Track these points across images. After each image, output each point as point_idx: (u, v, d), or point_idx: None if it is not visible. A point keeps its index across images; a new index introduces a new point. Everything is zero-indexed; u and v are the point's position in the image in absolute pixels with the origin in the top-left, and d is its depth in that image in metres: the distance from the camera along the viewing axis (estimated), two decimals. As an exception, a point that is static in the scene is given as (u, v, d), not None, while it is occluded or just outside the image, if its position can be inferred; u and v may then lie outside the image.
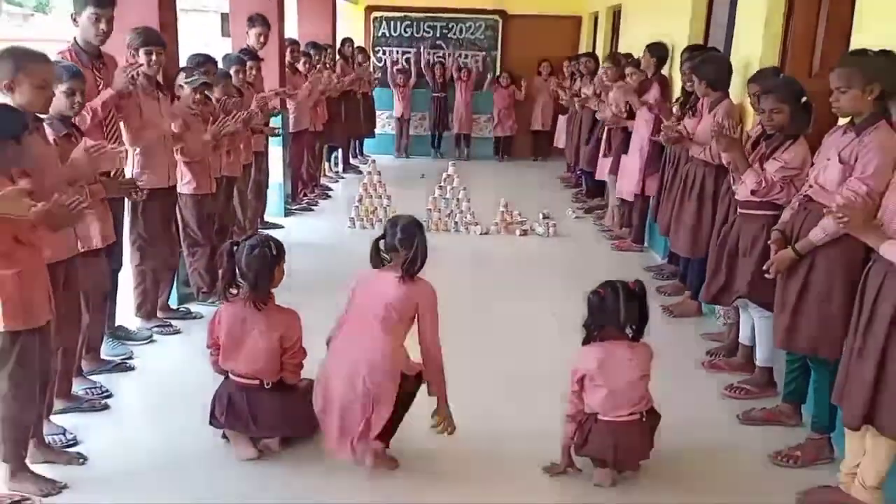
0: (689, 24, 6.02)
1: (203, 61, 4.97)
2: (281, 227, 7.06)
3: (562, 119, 10.33)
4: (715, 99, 4.67)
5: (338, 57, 9.95)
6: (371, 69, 11.24)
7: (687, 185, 4.79)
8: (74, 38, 3.90)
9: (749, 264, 3.74)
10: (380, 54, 12.01)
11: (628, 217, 7.02)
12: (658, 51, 6.37)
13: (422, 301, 3.02)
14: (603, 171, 7.53)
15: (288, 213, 7.61)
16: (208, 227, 4.83)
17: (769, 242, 3.30)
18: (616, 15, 9.49)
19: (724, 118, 4.42)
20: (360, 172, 10.43)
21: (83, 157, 3.13)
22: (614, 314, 2.83)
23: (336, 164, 10.40)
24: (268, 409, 3.10)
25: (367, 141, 11.52)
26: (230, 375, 3.12)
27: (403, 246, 3.01)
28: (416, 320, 3.05)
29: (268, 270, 3.13)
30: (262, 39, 6.49)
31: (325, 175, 9.73)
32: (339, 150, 10.37)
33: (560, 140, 10.46)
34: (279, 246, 3.16)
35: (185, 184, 4.70)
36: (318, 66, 8.69)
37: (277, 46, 7.13)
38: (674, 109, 5.66)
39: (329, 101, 8.98)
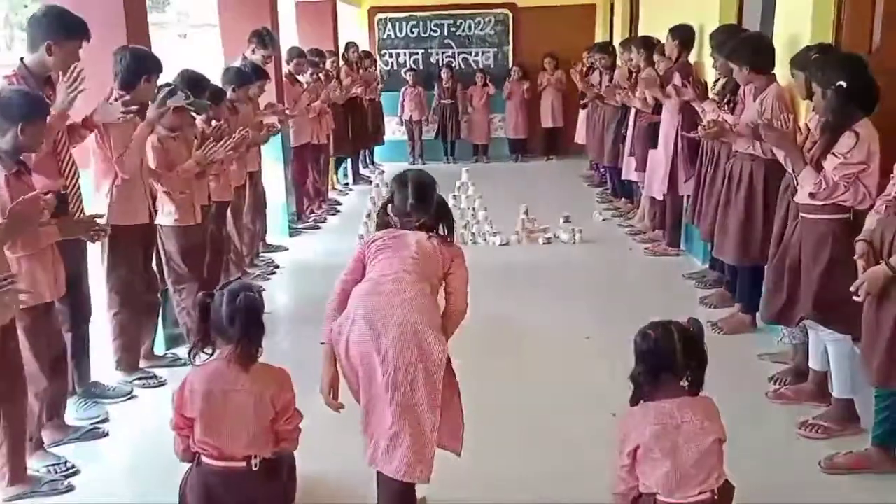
0: (720, 3, 5.40)
1: (190, 80, 4.46)
2: (285, 248, 6.56)
3: (582, 113, 9.73)
4: (760, 85, 4.06)
5: (341, 63, 9.45)
6: (378, 73, 10.73)
7: (732, 183, 4.19)
8: (22, 60, 3.40)
9: (814, 278, 3.16)
10: (386, 57, 11.50)
11: (661, 218, 6.42)
12: (681, 33, 5.76)
13: (457, 259, 2.75)
14: (629, 169, 6.94)
15: (293, 232, 7.11)
16: (195, 260, 4.33)
17: (855, 257, 2.70)
18: (634, 0, 8.88)
19: (773, 106, 3.84)
20: (371, 182, 9.95)
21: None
22: (669, 361, 2.25)
23: (345, 176, 9.90)
24: (259, 499, 2.55)
25: (378, 148, 11.01)
26: (203, 460, 2.56)
27: (418, 210, 2.67)
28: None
29: (257, 319, 2.57)
30: (268, 60, 6.01)
31: (333, 188, 9.23)
32: (349, 161, 9.87)
33: (580, 135, 9.86)
34: (260, 294, 2.62)
35: (165, 215, 4.20)
36: (320, 75, 8.20)
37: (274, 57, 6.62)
38: (710, 95, 5.06)
39: (334, 109, 8.48)
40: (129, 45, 3.87)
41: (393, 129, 11.54)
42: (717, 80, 5.14)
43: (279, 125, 6.18)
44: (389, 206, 2.74)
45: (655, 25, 7.02)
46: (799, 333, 3.59)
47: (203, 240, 4.45)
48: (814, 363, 3.43)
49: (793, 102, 4.06)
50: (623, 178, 7.33)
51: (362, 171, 10.48)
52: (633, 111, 6.83)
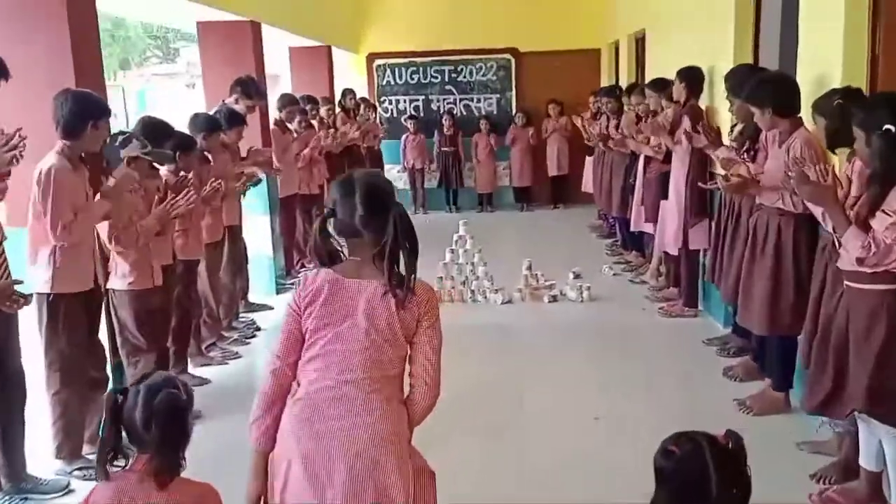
0: (734, 41, 4.98)
1: (149, 127, 4.05)
2: (269, 307, 6.08)
3: (588, 161, 9.32)
4: (785, 130, 3.60)
5: (338, 110, 9.10)
6: (378, 121, 10.39)
7: (757, 241, 3.70)
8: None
9: (867, 363, 2.65)
10: (386, 104, 11.17)
11: (675, 274, 5.92)
12: (689, 75, 5.33)
13: (426, 317, 2.07)
14: (640, 220, 6.48)
15: (281, 289, 6.63)
16: (153, 329, 3.85)
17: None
18: (639, 43, 8.52)
19: (802, 154, 3.38)
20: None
21: None
22: (699, 487, 1.73)
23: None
24: None
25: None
26: None
27: (370, 227, 1.98)
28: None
29: (181, 424, 2.09)
30: (251, 110, 5.64)
31: (328, 240, 8.78)
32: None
33: (588, 184, 9.43)
34: (188, 390, 2.12)
35: (119, 278, 3.74)
36: (312, 122, 7.83)
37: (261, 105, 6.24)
38: (726, 141, 4.61)
39: (329, 159, 8.08)
40: (71, 89, 3.45)
41: (394, 178, 11.16)
42: (733, 126, 4.69)
43: (260, 175, 5.75)
44: (331, 221, 2.03)
45: (663, 69, 6.62)
46: (845, 421, 3.05)
47: (163, 305, 3.98)
48: (866, 461, 2.87)
49: (823, 150, 3.60)
50: (633, 229, 6.85)
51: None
52: (641, 158, 6.40)
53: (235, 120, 5.14)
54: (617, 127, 7.49)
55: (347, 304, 1.98)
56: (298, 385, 2.04)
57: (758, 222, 3.70)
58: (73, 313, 3.40)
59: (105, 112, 3.50)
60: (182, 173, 4.29)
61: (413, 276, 2.00)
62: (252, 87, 5.58)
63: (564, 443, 3.68)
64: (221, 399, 4.29)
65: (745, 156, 4.04)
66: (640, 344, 5.13)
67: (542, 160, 10.72)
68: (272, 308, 6.09)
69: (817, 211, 2.95)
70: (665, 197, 5.69)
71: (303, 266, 7.35)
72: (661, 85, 6.13)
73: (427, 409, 2.09)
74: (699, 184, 4.61)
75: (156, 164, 4.11)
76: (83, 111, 3.37)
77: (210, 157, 4.88)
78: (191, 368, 4.64)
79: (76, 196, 3.37)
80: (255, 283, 6.22)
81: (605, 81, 10.26)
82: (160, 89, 12.76)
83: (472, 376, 4.51)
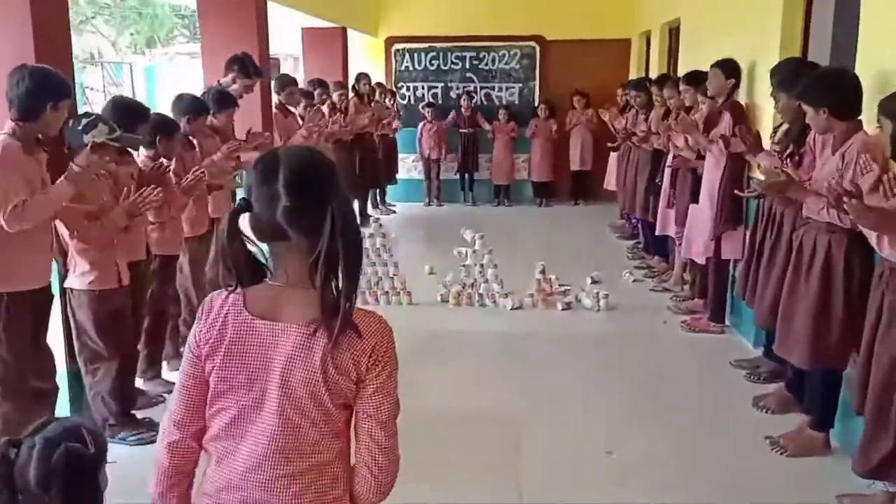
0: (781, 34, 4.47)
1: (120, 108, 3.64)
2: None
3: (612, 157, 8.81)
4: (841, 133, 3.11)
5: (351, 95, 8.67)
6: (395, 107, 9.95)
7: (802, 260, 3.21)
8: None
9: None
10: (403, 90, 10.72)
11: (701, 285, 5.43)
12: (731, 68, 4.82)
13: (375, 364, 1.45)
14: (666, 224, 5.98)
15: (278, 284, 6.24)
16: (115, 333, 3.44)
17: None
18: (673, 33, 7.98)
19: (859, 162, 2.89)
20: (381, 226, 9.10)
21: None
22: None
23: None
24: None
25: (391, 188, 10.19)
26: None
27: (298, 224, 1.40)
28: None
29: (89, 486, 1.64)
30: (247, 90, 5.22)
31: (335, 231, 8.38)
32: (355, 202, 9.03)
33: (611, 181, 8.94)
34: (99, 441, 1.68)
35: (78, 276, 3.35)
36: (322, 107, 7.42)
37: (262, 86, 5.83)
38: (769, 146, 4.12)
39: (337, 145, 7.68)
40: (28, 65, 3.05)
41: (409, 168, 10.77)
42: (777, 127, 4.20)
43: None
44: (246, 216, 1.44)
45: (698, 61, 6.10)
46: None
47: (130, 307, 3.58)
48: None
49: (884, 157, 3.10)
50: (658, 233, 6.36)
51: (371, 211, 9.65)
52: (669, 156, 5.91)
53: (225, 101, 4.71)
54: (646, 122, 7.01)
55: (258, 360, 1.44)
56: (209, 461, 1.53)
57: (803, 238, 3.21)
58: (18, 315, 3.01)
59: (66, 92, 3.11)
60: (161, 160, 3.90)
61: (350, 305, 1.40)
62: (250, 65, 5.15)
63: (570, 482, 3.23)
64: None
65: (789, 161, 3.55)
66: (661, 364, 4.66)
67: (564, 154, 10.23)
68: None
69: (871, 236, 2.48)
70: (695, 200, 5.21)
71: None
72: (698, 79, 5.61)
73: (377, 493, 1.51)
74: (735, 191, 4.12)
75: (131, 150, 3.72)
76: (41, 91, 2.99)
77: (196, 142, 4.47)
78: (166, 373, 4.25)
79: (30, 179, 2.99)
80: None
81: (634, 74, 9.74)
82: (176, 67, 12.42)
83: (468, 396, 4.09)
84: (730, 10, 5.50)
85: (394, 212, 10.00)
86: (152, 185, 3.39)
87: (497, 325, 5.31)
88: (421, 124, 10.26)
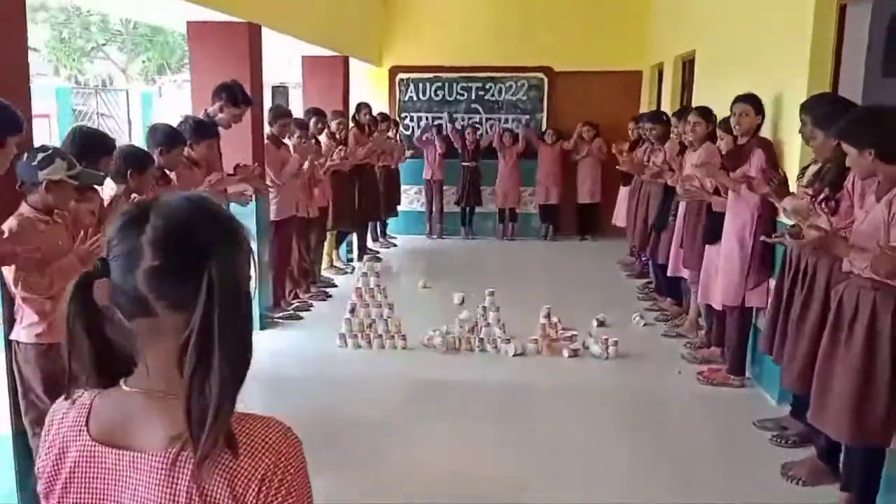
0: (809, 64, 4.13)
1: (82, 139, 3.32)
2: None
3: (623, 191, 8.48)
4: (887, 178, 2.74)
5: (351, 125, 8.38)
6: (398, 137, 9.67)
7: (842, 319, 2.83)
8: None
9: None
10: (407, 121, 10.44)
11: (719, 332, 5.04)
12: (760, 104, 4.48)
13: (261, 484, 1.01)
14: (679, 264, 5.62)
15: (266, 324, 5.88)
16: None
17: None
18: (687, 66, 7.67)
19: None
20: (380, 259, 8.77)
21: None
22: None
23: (349, 252, 8.71)
24: None
25: (392, 220, 9.87)
26: None
27: (168, 296, 1.01)
28: None
29: None
30: (235, 120, 4.92)
31: (332, 266, 8.04)
32: (354, 236, 8.70)
33: (619, 216, 8.59)
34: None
35: (24, 327, 2.99)
36: (320, 137, 7.12)
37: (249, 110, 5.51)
38: (795, 187, 3.76)
39: (335, 177, 7.36)
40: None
41: (411, 199, 10.48)
42: (805, 168, 3.85)
43: (249, 194, 5.00)
44: (101, 282, 1.05)
45: (713, 95, 5.78)
46: None
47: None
48: None
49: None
50: (670, 273, 5.98)
51: (371, 245, 9.32)
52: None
53: (202, 131, 4.39)
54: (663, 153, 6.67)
55: (104, 499, 1.04)
56: None
57: (844, 295, 2.83)
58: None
59: (17, 127, 2.78)
60: (133, 195, 3.56)
61: (224, 409, 0.99)
62: (239, 93, 4.85)
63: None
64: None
65: (823, 206, 3.18)
66: (675, 421, 4.26)
67: (572, 184, 9.93)
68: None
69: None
70: (710, 240, 4.86)
71: (295, 296, 6.61)
72: (709, 113, 5.32)
73: None
74: (762, 238, 3.77)
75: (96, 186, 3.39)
76: None
77: (173, 175, 4.15)
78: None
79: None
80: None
81: (645, 107, 9.44)
82: (181, 93, 12.23)
83: (464, 459, 3.70)
84: (751, 42, 5.17)
85: (394, 245, 9.67)
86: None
87: (498, 374, 4.92)
88: (427, 149, 9.99)
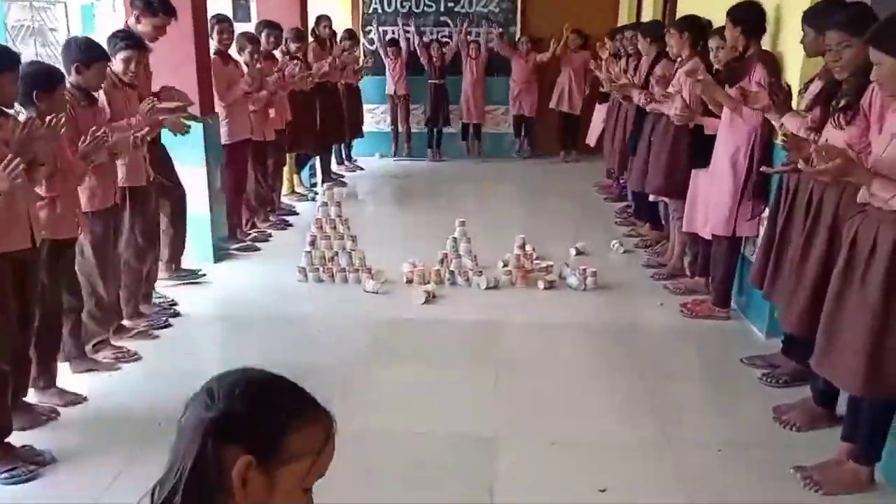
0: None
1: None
2: (195, 280, 4.92)
3: (599, 109, 8.04)
4: (913, 94, 2.37)
5: (310, 40, 7.76)
6: (359, 53, 9.06)
7: (856, 258, 2.48)
8: None
9: None
10: (371, 35, 9.79)
11: (704, 261, 4.74)
12: (753, 15, 4.04)
13: None
14: (659, 189, 5.24)
15: (221, 256, 5.46)
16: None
17: None
18: (669, -28, 7.15)
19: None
20: (345, 184, 8.33)
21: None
22: None
23: (312, 176, 8.22)
24: None
25: (357, 141, 9.35)
26: None
27: None
28: None
29: None
30: (158, 33, 4.34)
31: (293, 192, 7.58)
32: (317, 159, 8.20)
33: (592, 136, 8.18)
34: None
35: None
36: (274, 52, 6.54)
37: (191, 19, 4.94)
38: (801, 109, 3.38)
39: (294, 97, 6.82)
40: None
41: (378, 119, 9.95)
42: (808, 83, 3.46)
43: (183, 121, 4.39)
44: None
45: (697, 6, 5.32)
46: None
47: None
48: None
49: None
50: (651, 198, 5.64)
51: (336, 168, 8.84)
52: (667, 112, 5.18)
53: (128, 42, 3.81)
54: (636, 69, 6.24)
55: None
56: None
57: (859, 230, 2.48)
58: None
59: None
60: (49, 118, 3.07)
61: None
62: (156, 1, 4.24)
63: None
64: (90, 429, 3.17)
65: (840, 119, 2.79)
66: (658, 358, 3.98)
67: (548, 94, 9.45)
68: (199, 280, 4.93)
69: None
70: (699, 163, 4.50)
71: (253, 226, 6.18)
72: (694, 24, 4.86)
73: None
74: (763, 168, 3.40)
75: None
76: None
77: (102, 97, 3.65)
78: (69, 377, 3.51)
79: None
80: (192, 246, 5.06)
81: (624, 19, 8.91)
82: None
83: (429, 411, 3.38)
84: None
85: (361, 168, 9.19)
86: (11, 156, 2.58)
87: (469, 310, 4.58)
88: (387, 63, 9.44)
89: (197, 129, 5.00)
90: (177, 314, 4.39)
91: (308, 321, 4.41)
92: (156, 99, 4.06)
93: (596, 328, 4.36)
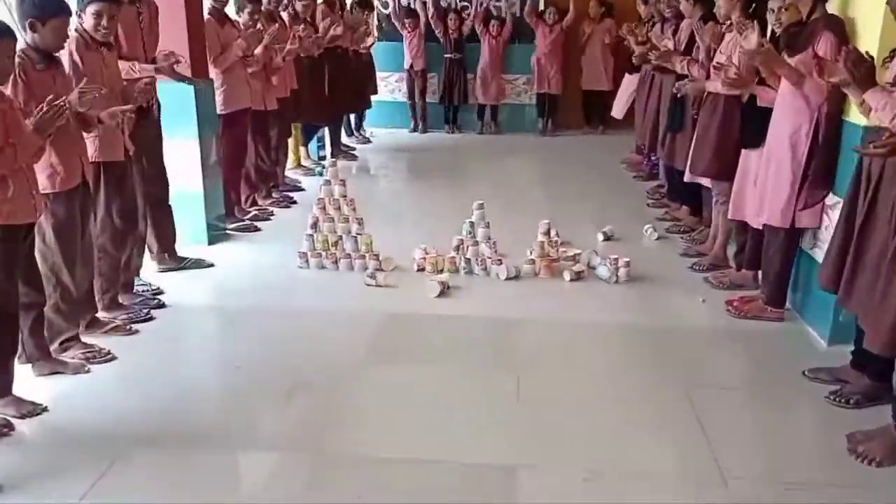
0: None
1: None
2: (185, 265, 4.45)
3: (628, 79, 7.45)
4: None
5: (319, 1, 7.21)
6: (371, 19, 8.50)
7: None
8: None
9: None
10: (386, -1, 9.22)
11: (752, 253, 4.21)
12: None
13: None
14: (707, 171, 4.67)
15: (216, 237, 5.00)
16: None
17: None
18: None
19: None
20: (356, 157, 7.84)
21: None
22: None
23: (322, 149, 7.72)
24: None
25: (369, 112, 8.82)
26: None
27: None
28: None
29: None
30: None
31: (300, 166, 7.09)
32: (326, 130, 7.70)
33: (618, 108, 7.60)
34: None
35: None
36: (269, 14, 6.00)
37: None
38: (887, 82, 2.83)
39: (301, 63, 6.32)
40: None
41: (392, 88, 9.42)
42: (894, 51, 2.91)
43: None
44: None
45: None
46: None
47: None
48: None
49: None
50: (687, 179, 5.09)
51: (346, 140, 8.33)
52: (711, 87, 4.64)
53: (51, 7, 3.25)
54: (674, 33, 5.66)
55: None
56: None
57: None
58: None
59: None
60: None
61: None
62: None
63: None
64: (49, 448, 2.73)
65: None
66: (704, 371, 3.46)
67: (576, 68, 8.89)
68: (186, 266, 4.46)
69: None
70: (751, 144, 3.97)
71: (253, 203, 5.71)
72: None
73: None
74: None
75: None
76: None
77: (66, 60, 3.16)
78: (31, 381, 3.07)
79: None
80: (182, 230, 4.61)
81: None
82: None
83: (437, 433, 2.90)
84: None
85: (369, 141, 8.68)
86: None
87: (487, 305, 4.09)
88: (404, 34, 8.90)
89: (187, 96, 4.55)
90: (161, 305, 3.94)
91: (306, 315, 3.94)
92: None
93: (631, 328, 3.85)
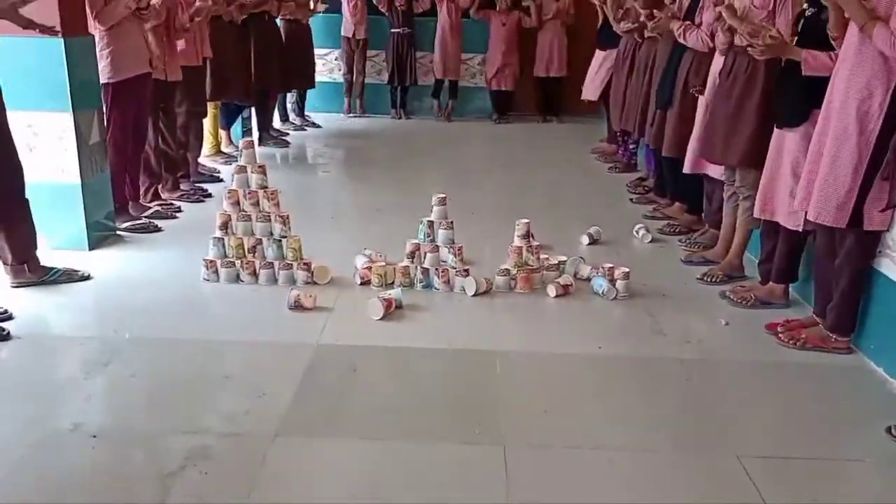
0: None
1: None
2: (50, 279, 3.34)
3: (599, 56, 6.57)
4: None
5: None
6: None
7: None
8: None
9: None
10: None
11: (785, 263, 3.31)
12: None
13: None
14: (744, 159, 3.69)
15: (100, 239, 3.89)
16: None
17: None
18: None
19: None
20: (288, 144, 6.78)
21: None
22: None
23: (248, 133, 6.62)
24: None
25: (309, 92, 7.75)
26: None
27: None
28: None
29: None
30: None
31: (219, 152, 5.98)
32: (251, 110, 6.60)
33: (591, 89, 6.70)
34: None
35: None
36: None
37: None
38: None
39: (220, 27, 5.24)
40: None
41: (331, 67, 8.40)
42: None
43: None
44: None
45: None
46: None
47: None
48: None
49: None
50: (688, 170, 4.20)
51: (280, 124, 7.25)
52: (718, 58, 3.78)
53: None
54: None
55: None
56: None
57: None
58: None
59: None
60: None
61: None
62: None
63: None
64: None
65: None
66: (751, 428, 2.53)
67: (529, 56, 8.02)
68: (56, 278, 3.36)
69: None
70: (791, 121, 3.09)
71: (156, 197, 4.59)
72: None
73: None
74: None
75: None
76: None
77: None
78: None
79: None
80: (51, 231, 3.52)
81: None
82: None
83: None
84: None
85: (317, 126, 7.63)
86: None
87: (451, 330, 3.10)
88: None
89: (53, 58, 3.46)
90: (5, 336, 2.83)
91: (207, 350, 2.88)
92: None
93: (644, 365, 2.90)
